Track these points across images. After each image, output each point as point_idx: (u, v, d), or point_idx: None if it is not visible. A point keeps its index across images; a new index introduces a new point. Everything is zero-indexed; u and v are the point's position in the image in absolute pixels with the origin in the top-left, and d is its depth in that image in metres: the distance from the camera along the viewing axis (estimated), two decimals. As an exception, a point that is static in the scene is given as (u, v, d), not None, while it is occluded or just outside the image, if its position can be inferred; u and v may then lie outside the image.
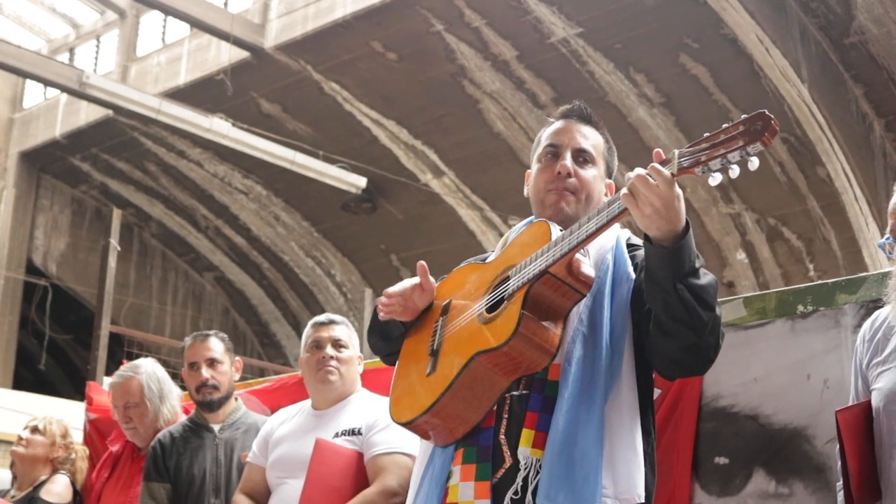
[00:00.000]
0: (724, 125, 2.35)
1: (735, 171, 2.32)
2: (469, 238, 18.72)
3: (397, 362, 2.97)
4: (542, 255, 2.59)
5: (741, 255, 17.05)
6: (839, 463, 2.91)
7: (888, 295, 2.95)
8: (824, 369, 3.47)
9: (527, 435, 2.60)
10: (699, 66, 15.13)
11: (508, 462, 2.60)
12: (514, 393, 2.65)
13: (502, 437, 2.63)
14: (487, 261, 2.93)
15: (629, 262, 2.77)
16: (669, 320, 2.49)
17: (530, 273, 2.59)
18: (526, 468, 2.57)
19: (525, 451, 2.58)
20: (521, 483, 2.56)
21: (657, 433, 3.67)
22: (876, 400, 2.91)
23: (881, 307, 3.03)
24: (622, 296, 2.71)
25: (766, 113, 2.28)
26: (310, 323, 4.50)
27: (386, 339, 3.03)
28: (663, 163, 2.44)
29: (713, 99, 15.34)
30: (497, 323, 2.61)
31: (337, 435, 4.13)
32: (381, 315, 2.93)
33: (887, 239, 2.91)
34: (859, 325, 3.23)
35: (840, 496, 2.97)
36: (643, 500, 2.61)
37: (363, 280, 21.11)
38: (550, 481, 2.51)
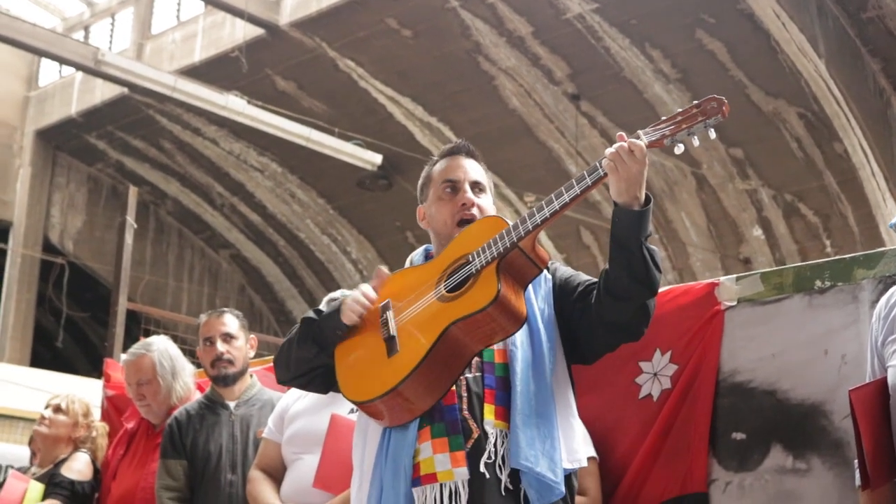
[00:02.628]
0: (679, 109, 2.83)
1: (696, 141, 2.80)
2: (484, 215, 18.68)
3: (337, 358, 3.11)
4: (509, 234, 2.90)
5: (757, 231, 17.01)
6: (855, 441, 2.91)
7: (902, 274, 2.95)
8: (842, 344, 3.46)
9: (489, 409, 2.96)
10: (715, 41, 15.06)
11: (476, 433, 2.94)
12: (469, 375, 2.99)
13: (465, 412, 2.96)
14: (412, 265, 3.28)
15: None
16: (630, 280, 2.86)
17: (501, 247, 2.90)
18: (493, 437, 2.92)
19: (490, 422, 2.94)
20: (492, 449, 2.91)
21: (674, 409, 3.71)
22: (892, 377, 2.91)
23: (897, 283, 3.03)
24: (545, 292, 3.12)
25: (717, 96, 2.78)
26: (325, 299, 4.49)
27: (322, 348, 3.14)
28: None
29: (730, 74, 15.27)
30: (471, 293, 2.89)
31: (352, 410, 4.12)
32: (351, 318, 3.08)
33: (900, 219, 2.91)
34: (877, 300, 3.22)
35: (857, 474, 2.96)
36: (585, 465, 3.12)
37: (379, 257, 21.13)
38: (522, 446, 2.87)
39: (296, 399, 4.43)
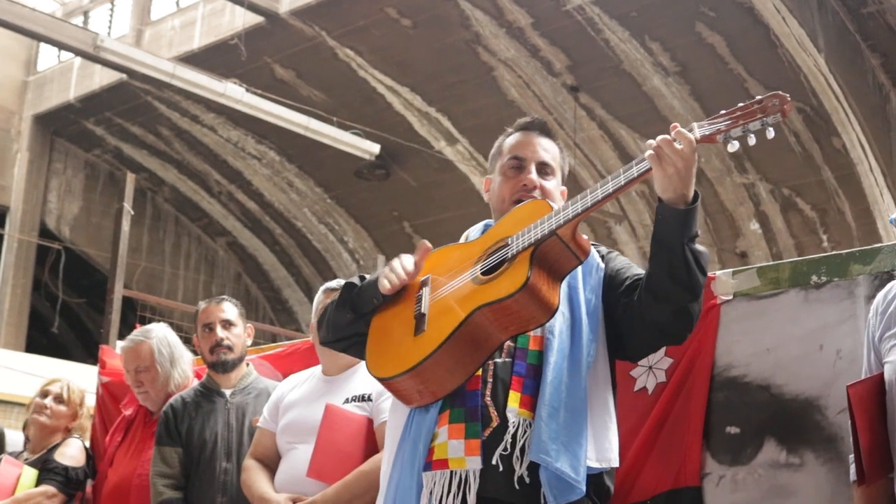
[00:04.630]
0: (741, 103, 2.61)
1: (752, 140, 2.58)
2: (482, 206, 18.49)
3: (371, 328, 3.02)
4: (549, 220, 2.75)
5: (755, 226, 17.03)
6: (851, 436, 2.91)
7: (901, 269, 2.95)
8: (837, 340, 3.46)
9: (514, 396, 2.81)
10: (715, 34, 15.06)
11: (496, 422, 2.79)
12: (497, 360, 2.86)
13: (488, 398, 2.82)
14: (467, 240, 3.13)
15: (597, 255, 3.04)
16: (670, 282, 2.71)
17: (538, 234, 2.74)
18: (515, 426, 2.77)
19: (514, 411, 2.79)
20: (509, 440, 2.76)
21: (668, 402, 3.70)
22: (888, 373, 2.90)
23: (895, 279, 3.02)
24: (594, 282, 2.98)
25: (782, 93, 2.56)
26: (321, 289, 4.49)
27: (358, 315, 3.05)
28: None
29: (729, 68, 15.27)
30: (502, 279, 2.75)
31: (347, 401, 4.13)
32: (385, 286, 2.96)
33: (899, 215, 2.92)
34: (873, 296, 3.22)
35: (852, 469, 2.97)
36: (617, 465, 2.88)
37: (376, 247, 21.13)
38: (544, 439, 2.71)
39: (291, 388, 4.43)
